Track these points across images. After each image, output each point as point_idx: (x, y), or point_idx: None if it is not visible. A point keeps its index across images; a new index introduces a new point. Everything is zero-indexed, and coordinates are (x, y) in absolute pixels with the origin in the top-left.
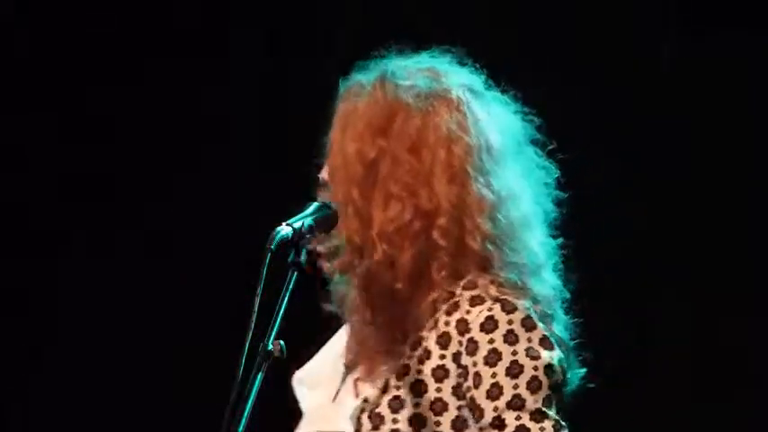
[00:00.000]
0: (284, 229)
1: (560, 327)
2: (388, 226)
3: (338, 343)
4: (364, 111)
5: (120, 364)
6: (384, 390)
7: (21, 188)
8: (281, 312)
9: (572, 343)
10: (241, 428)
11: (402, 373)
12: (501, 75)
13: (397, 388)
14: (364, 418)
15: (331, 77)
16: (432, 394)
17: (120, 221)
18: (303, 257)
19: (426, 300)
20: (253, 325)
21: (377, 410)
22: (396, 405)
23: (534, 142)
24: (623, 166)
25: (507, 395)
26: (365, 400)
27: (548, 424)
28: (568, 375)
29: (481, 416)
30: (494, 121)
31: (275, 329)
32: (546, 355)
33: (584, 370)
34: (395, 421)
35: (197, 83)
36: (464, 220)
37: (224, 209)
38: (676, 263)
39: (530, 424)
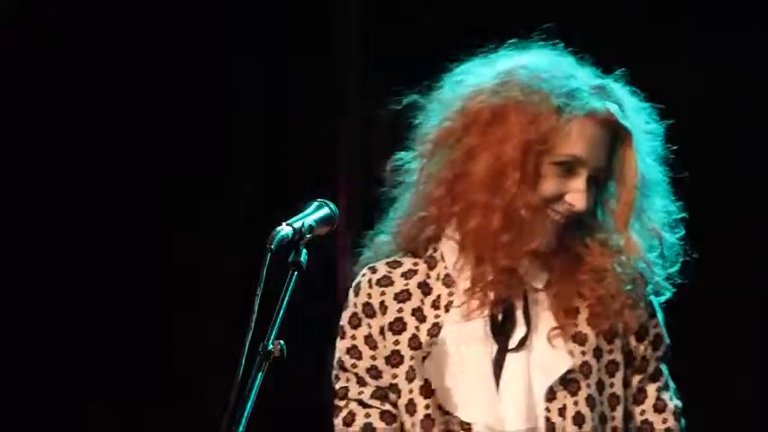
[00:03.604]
0: (284, 229)
1: None
2: None
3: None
4: None
5: (119, 363)
6: (598, 355)
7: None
8: (281, 312)
9: None
10: (241, 428)
11: (611, 337)
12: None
13: (610, 352)
14: (581, 378)
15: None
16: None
17: (117, 220)
18: (303, 257)
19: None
20: (253, 325)
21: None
22: (612, 369)
23: None
24: None
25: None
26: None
27: None
28: None
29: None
30: None
31: (275, 329)
32: None
33: None
34: (611, 385)
35: (197, 85)
36: None
37: (223, 208)
38: None
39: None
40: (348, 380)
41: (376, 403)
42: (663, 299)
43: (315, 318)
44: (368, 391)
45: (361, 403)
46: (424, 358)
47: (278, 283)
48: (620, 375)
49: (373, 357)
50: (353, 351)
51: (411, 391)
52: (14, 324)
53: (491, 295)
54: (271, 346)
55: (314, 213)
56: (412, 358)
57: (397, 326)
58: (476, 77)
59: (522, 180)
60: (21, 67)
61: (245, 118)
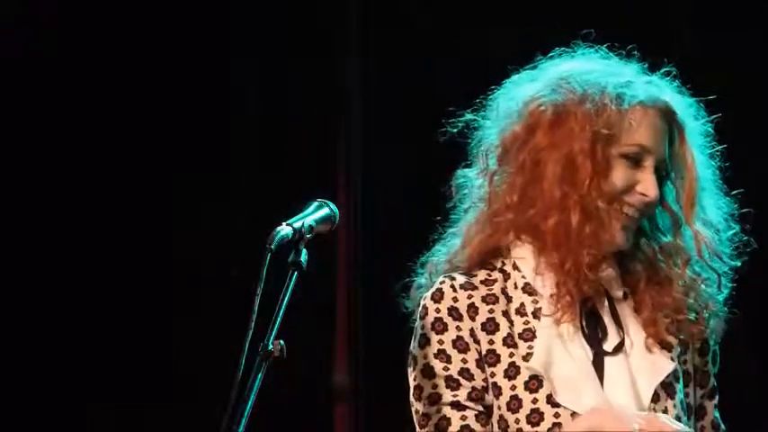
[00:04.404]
0: (284, 229)
1: None
2: None
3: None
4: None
5: (119, 363)
6: (679, 363)
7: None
8: (281, 312)
9: None
10: (241, 428)
11: (684, 348)
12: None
13: (684, 363)
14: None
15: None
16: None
17: (117, 220)
18: (303, 257)
19: None
20: (253, 325)
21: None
22: (687, 379)
23: None
24: None
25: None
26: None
27: None
28: None
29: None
30: None
31: (275, 329)
32: None
33: None
34: (687, 395)
35: (197, 85)
36: None
37: (223, 208)
38: None
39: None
40: (437, 385)
41: (471, 404)
42: (721, 297)
43: (314, 317)
44: (463, 392)
45: (457, 406)
46: (524, 358)
47: (278, 283)
48: (691, 386)
49: (464, 360)
50: (442, 355)
51: (514, 388)
52: (15, 324)
53: (578, 300)
54: (271, 346)
55: (314, 213)
56: (512, 355)
57: (490, 326)
58: (529, 86)
59: (594, 171)
60: (21, 67)
61: (245, 118)
